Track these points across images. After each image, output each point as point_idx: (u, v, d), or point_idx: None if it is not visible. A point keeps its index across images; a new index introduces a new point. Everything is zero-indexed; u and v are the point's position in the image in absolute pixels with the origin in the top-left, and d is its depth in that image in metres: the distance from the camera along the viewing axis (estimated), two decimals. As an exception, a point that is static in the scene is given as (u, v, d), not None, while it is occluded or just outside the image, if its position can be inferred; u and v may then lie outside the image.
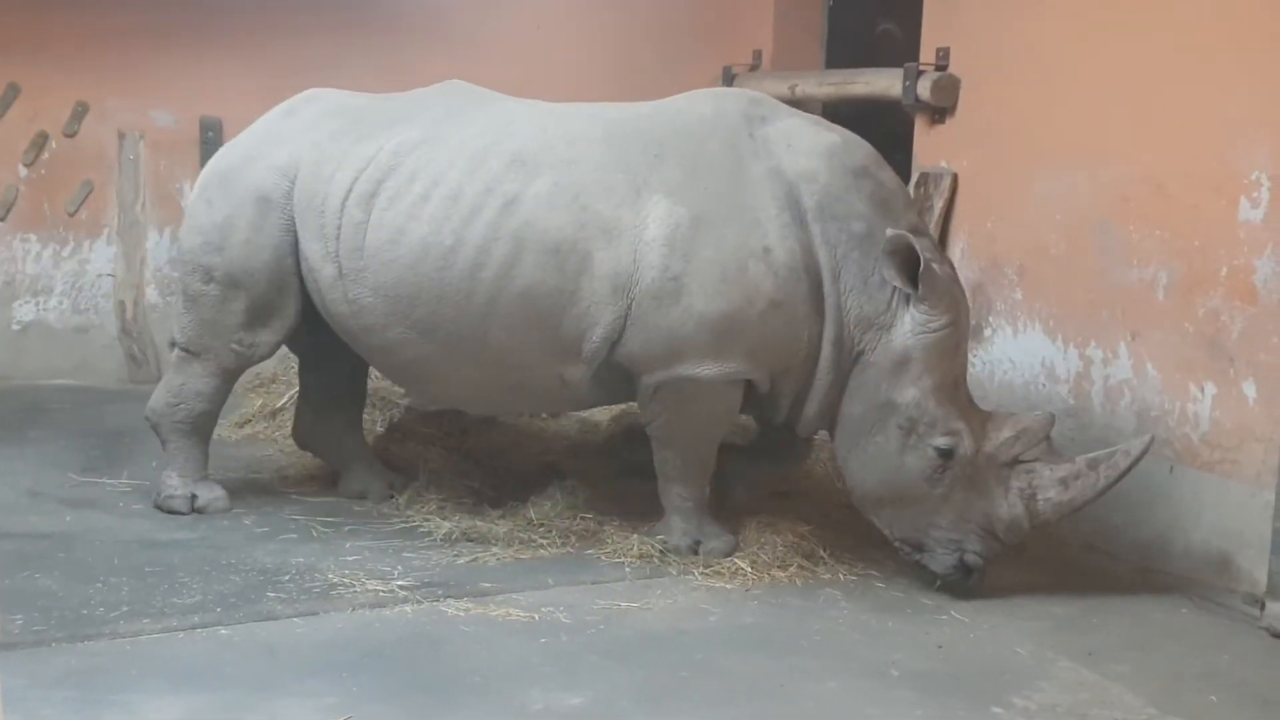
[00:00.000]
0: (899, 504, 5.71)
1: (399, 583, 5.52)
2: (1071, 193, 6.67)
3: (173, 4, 8.67)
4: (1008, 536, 5.65)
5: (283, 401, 7.90)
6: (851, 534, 6.23)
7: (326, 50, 8.84)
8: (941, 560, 5.70)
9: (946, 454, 5.57)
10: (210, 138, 8.78)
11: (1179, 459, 6.00)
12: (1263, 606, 5.45)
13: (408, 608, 5.31)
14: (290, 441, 7.44)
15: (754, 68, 9.29)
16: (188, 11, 8.69)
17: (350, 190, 5.97)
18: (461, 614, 5.27)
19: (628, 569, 5.84)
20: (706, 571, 5.81)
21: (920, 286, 5.55)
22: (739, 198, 5.69)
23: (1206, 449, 5.95)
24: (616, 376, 5.87)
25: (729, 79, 9.16)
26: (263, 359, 6.43)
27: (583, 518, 6.27)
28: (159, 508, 6.35)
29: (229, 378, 6.39)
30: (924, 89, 7.48)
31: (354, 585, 5.48)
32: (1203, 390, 6.00)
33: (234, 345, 6.25)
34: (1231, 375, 5.87)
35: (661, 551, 5.95)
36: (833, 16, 9.37)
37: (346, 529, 6.22)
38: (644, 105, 6.18)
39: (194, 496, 6.35)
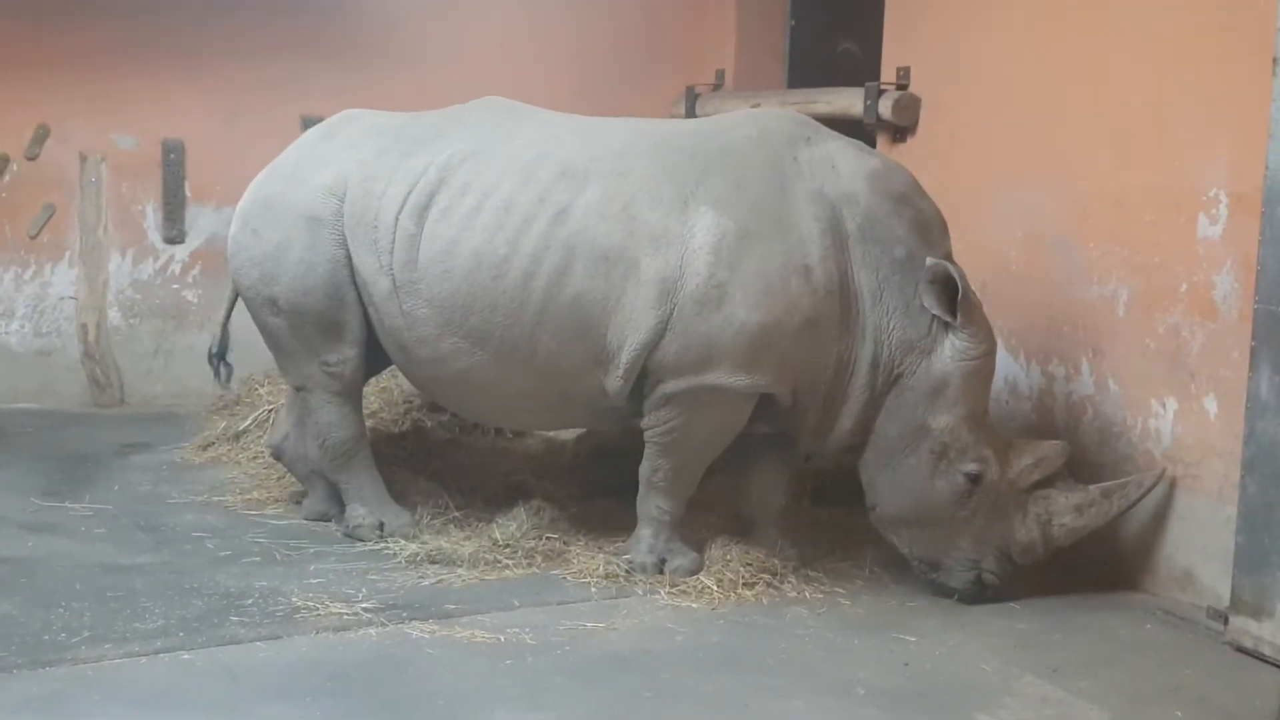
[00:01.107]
0: (923, 524, 5.83)
1: (363, 605, 5.50)
2: (1032, 210, 6.72)
3: (134, 26, 8.64)
4: (1022, 559, 5.82)
5: (246, 424, 7.85)
6: (817, 551, 6.24)
7: (289, 71, 8.84)
8: (959, 577, 5.83)
9: (975, 479, 5.72)
10: (172, 160, 8.76)
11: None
12: (1226, 621, 5.47)
13: (372, 630, 5.28)
14: (254, 464, 7.44)
15: (716, 87, 9.33)
16: (149, 34, 8.66)
17: (403, 204, 6.03)
18: (426, 636, 5.24)
19: (593, 589, 5.83)
20: (672, 591, 5.80)
21: (959, 315, 5.67)
22: (783, 216, 5.78)
23: (1168, 464, 5.98)
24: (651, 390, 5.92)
25: (692, 98, 9.19)
26: (359, 374, 6.38)
27: (548, 538, 6.24)
28: (349, 537, 6.36)
29: (348, 399, 6.39)
30: (885, 108, 7.52)
31: (318, 608, 5.44)
32: (1164, 406, 6.04)
33: (324, 368, 6.28)
34: (1193, 391, 5.91)
35: (627, 571, 5.95)
36: (794, 36, 9.42)
37: (310, 552, 6.18)
38: (686, 122, 6.40)
39: (382, 524, 6.35)
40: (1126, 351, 6.22)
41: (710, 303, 5.68)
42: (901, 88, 7.58)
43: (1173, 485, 5.93)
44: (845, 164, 5.94)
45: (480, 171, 6.01)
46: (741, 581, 5.86)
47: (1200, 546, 5.83)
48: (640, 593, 5.81)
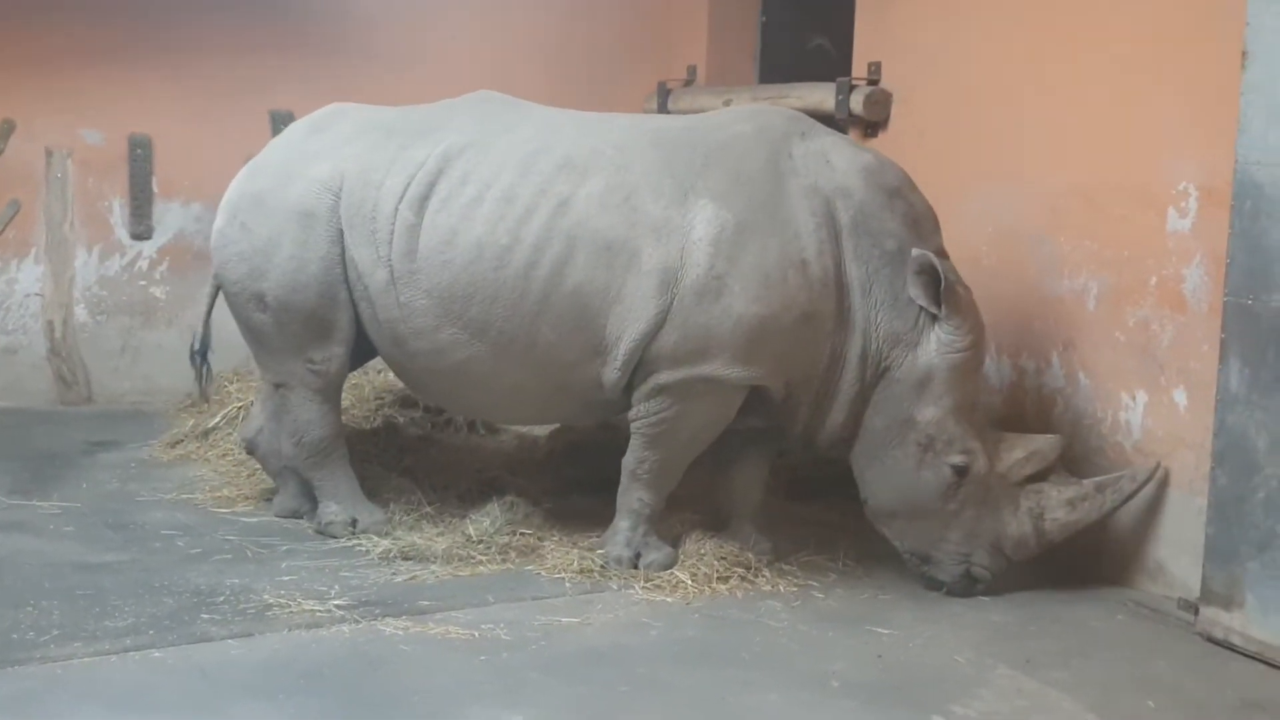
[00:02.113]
0: (912, 517, 5.84)
1: (336, 602, 5.46)
2: (1003, 205, 6.74)
3: (101, 22, 8.56)
4: (1015, 554, 5.82)
5: (215, 421, 7.81)
6: (791, 546, 6.24)
7: (257, 67, 8.78)
8: (948, 570, 5.85)
9: (961, 471, 5.72)
10: (139, 155, 8.69)
11: (1112, 467, 6.05)
12: (1196, 612, 5.51)
13: (345, 627, 5.25)
14: (224, 461, 7.40)
15: (688, 83, 9.33)
16: (116, 29, 8.59)
17: (403, 195, 6.02)
18: (400, 633, 5.22)
19: (568, 584, 5.81)
20: (647, 585, 5.80)
21: (943, 306, 5.69)
22: (780, 210, 5.81)
23: (1139, 457, 6.02)
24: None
25: (664, 94, 9.19)
26: (342, 372, 6.37)
27: (522, 534, 6.23)
28: (321, 534, 6.32)
29: (328, 398, 6.36)
30: (856, 103, 7.54)
31: (290, 606, 5.41)
32: (1134, 398, 6.07)
33: (309, 366, 6.25)
34: (1162, 383, 5.95)
35: (602, 566, 5.94)
36: (766, 32, 9.42)
37: (282, 549, 6.14)
38: (684, 118, 6.43)
39: (355, 520, 6.32)
40: (1097, 345, 6.25)
41: (709, 294, 5.70)
42: (873, 83, 7.60)
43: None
44: (839, 158, 5.97)
45: (481, 162, 6.02)
46: (716, 576, 5.86)
47: (1171, 538, 5.87)
48: (615, 587, 5.81)
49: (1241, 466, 5.29)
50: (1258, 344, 5.23)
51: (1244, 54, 5.24)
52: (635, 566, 5.96)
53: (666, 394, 5.84)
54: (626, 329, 5.78)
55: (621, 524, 6.06)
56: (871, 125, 7.56)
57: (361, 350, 6.42)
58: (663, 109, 9.08)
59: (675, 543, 6.11)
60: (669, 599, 5.70)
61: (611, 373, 5.87)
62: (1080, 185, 6.34)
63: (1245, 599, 5.29)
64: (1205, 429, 5.58)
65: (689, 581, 5.81)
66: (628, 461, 6.04)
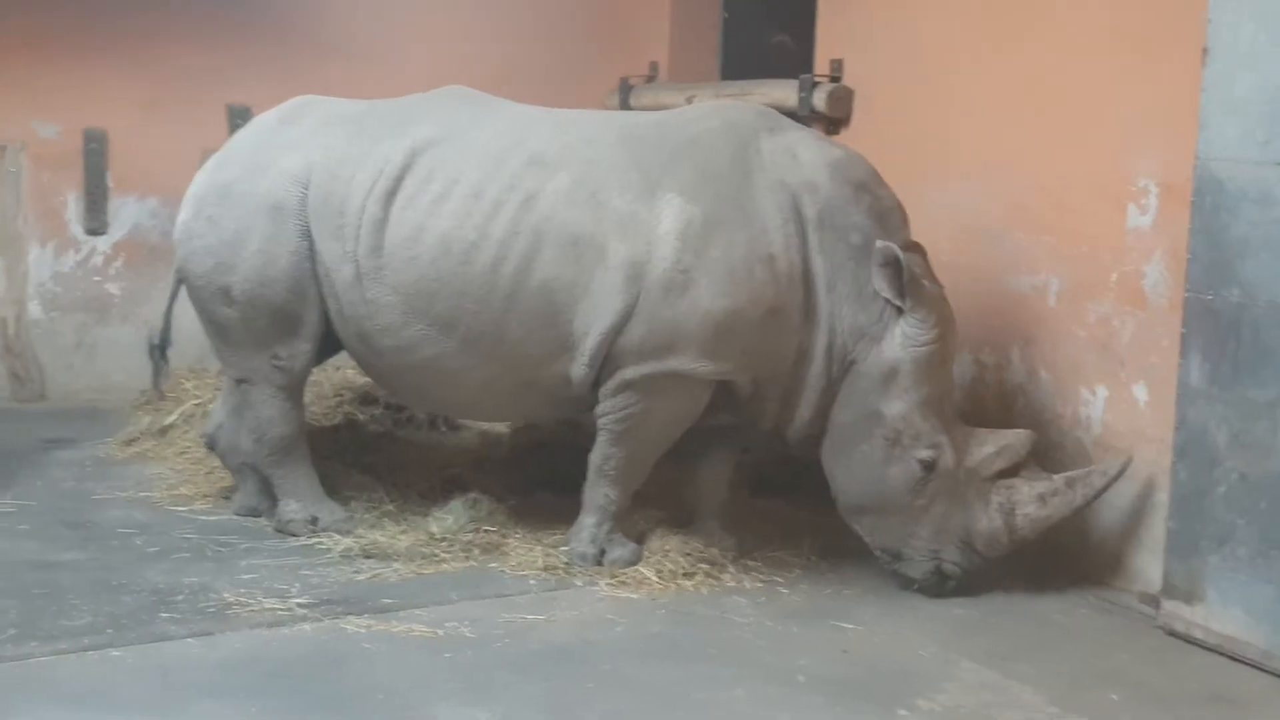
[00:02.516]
0: (881, 513, 5.81)
1: (297, 601, 5.42)
2: (964, 201, 6.77)
3: (56, 13, 8.45)
4: (986, 550, 5.78)
5: (171, 419, 7.73)
6: (755, 541, 6.24)
7: (214, 60, 8.69)
8: (919, 567, 5.82)
9: (929, 466, 5.70)
10: (94, 150, 8.58)
11: (1072, 463, 6.08)
12: (1158, 605, 5.55)
13: (307, 626, 5.21)
14: (181, 459, 7.32)
15: (651, 79, 9.32)
16: (71, 20, 8.48)
17: (370, 190, 5.97)
18: (363, 631, 5.18)
19: (532, 582, 5.79)
20: (612, 582, 5.78)
21: (907, 299, 5.67)
22: (747, 205, 5.79)
23: (1100, 452, 6.05)
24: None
25: (626, 90, 9.17)
26: (307, 369, 6.31)
27: (486, 531, 6.20)
28: (280, 532, 6.26)
29: (291, 395, 6.30)
30: (819, 100, 7.55)
31: (250, 604, 5.36)
32: (1095, 394, 6.11)
33: (274, 362, 6.18)
34: (1123, 379, 5.98)
35: (567, 563, 5.92)
36: (728, 29, 9.43)
37: (241, 547, 6.09)
38: (652, 115, 6.38)
39: (315, 518, 6.26)
40: (1057, 340, 6.28)
41: (676, 288, 5.69)
42: (835, 80, 7.61)
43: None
44: (806, 153, 5.96)
45: (449, 158, 5.98)
46: (681, 572, 5.85)
47: (1132, 533, 5.90)
48: (580, 584, 5.79)
49: (1202, 461, 5.33)
50: (1218, 339, 5.27)
51: (1205, 51, 5.28)
52: (600, 563, 5.94)
53: (633, 389, 5.81)
54: (593, 324, 5.76)
55: (587, 520, 6.04)
56: (834, 122, 7.57)
57: (326, 347, 6.36)
58: (624, 105, 9.06)
59: (640, 539, 6.10)
60: (634, 595, 5.68)
61: (579, 369, 5.84)
62: (1041, 182, 6.37)
63: (1206, 593, 5.33)
64: (1166, 424, 5.61)
65: (654, 578, 5.80)
66: (594, 458, 6.01)
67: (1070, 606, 5.79)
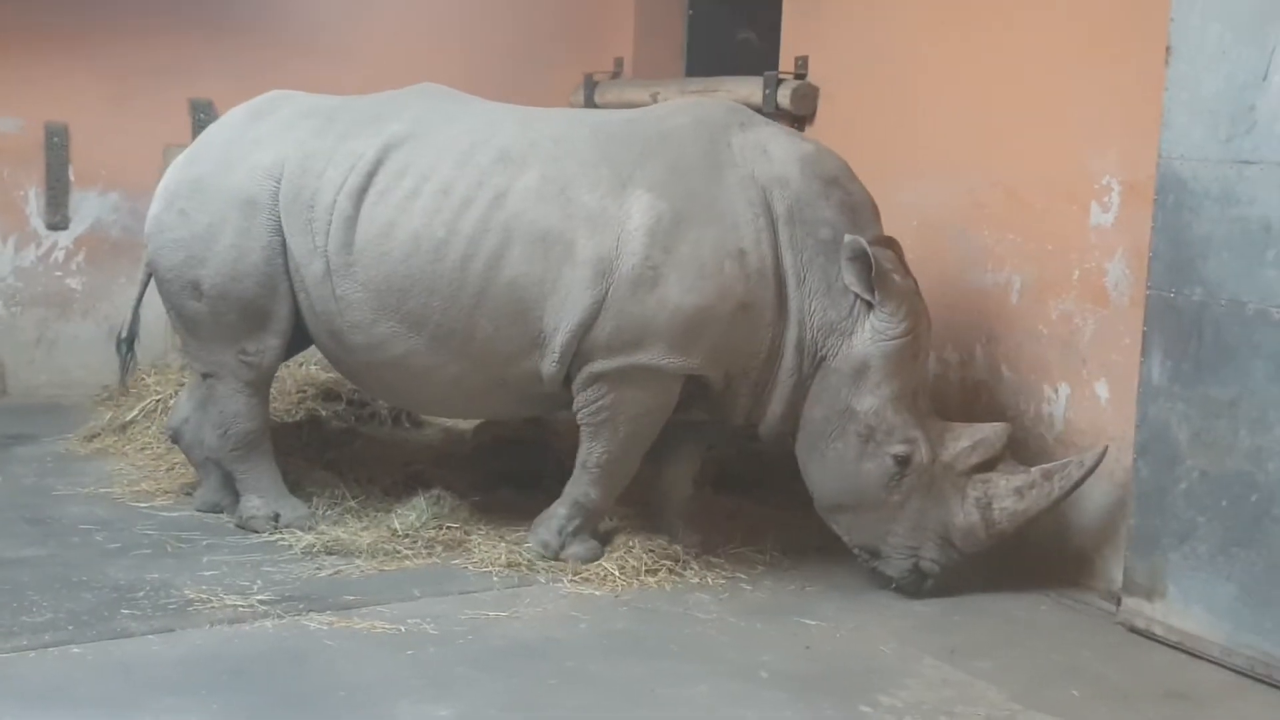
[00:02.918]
0: (857, 510, 5.78)
1: (259, 597, 5.40)
2: (928, 199, 6.79)
3: (16, 6, 8.38)
4: (964, 545, 5.73)
5: (132, 414, 7.68)
6: (719, 538, 6.24)
7: (177, 54, 8.63)
8: (897, 565, 5.77)
9: (903, 462, 5.65)
10: (56, 143, 8.51)
11: (1034, 460, 6.09)
12: (1119, 602, 5.58)
13: (268, 622, 5.19)
14: (142, 455, 7.28)
15: (616, 75, 9.31)
16: (33, 13, 8.40)
17: (341, 186, 5.94)
18: (325, 628, 5.16)
19: (495, 578, 5.78)
20: (575, 579, 5.77)
21: (876, 293, 5.65)
22: (717, 201, 5.78)
23: (1061, 449, 6.08)
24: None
25: (591, 86, 9.15)
26: (275, 365, 6.29)
27: (448, 528, 6.18)
28: (242, 528, 6.22)
29: (257, 391, 6.27)
30: (784, 97, 7.56)
31: (212, 600, 5.34)
32: (1057, 391, 6.14)
33: (241, 357, 6.15)
34: (1085, 376, 6.01)
35: (529, 560, 5.90)
36: (693, 25, 9.42)
37: (203, 544, 6.06)
38: (624, 112, 6.37)
39: (277, 515, 6.22)
40: (1020, 338, 6.31)
41: (645, 284, 5.67)
42: (800, 77, 7.62)
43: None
44: (777, 148, 5.95)
45: (419, 155, 5.96)
46: (644, 568, 5.85)
47: (1094, 530, 5.94)
48: (543, 581, 5.77)
49: (1163, 458, 5.36)
50: (1179, 337, 5.30)
51: (1168, 50, 5.31)
52: (557, 556, 5.93)
53: (602, 381, 5.80)
54: (563, 320, 5.75)
55: (559, 509, 6.01)
56: (798, 119, 7.58)
57: (295, 342, 6.33)
58: (589, 101, 9.05)
59: (604, 536, 6.08)
60: (597, 592, 5.68)
61: (550, 365, 5.83)
62: (1005, 180, 6.40)
63: (1167, 590, 5.36)
64: (1127, 421, 5.64)
65: (617, 574, 5.80)
66: (579, 457, 5.97)
67: (1032, 603, 5.81)
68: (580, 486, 5.99)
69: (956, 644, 5.32)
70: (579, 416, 5.91)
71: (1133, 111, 5.69)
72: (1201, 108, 5.19)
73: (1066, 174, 6.07)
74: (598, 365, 5.78)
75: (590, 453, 5.94)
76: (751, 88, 7.73)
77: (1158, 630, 5.39)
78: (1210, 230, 5.19)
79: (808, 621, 5.49)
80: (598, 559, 5.93)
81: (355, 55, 8.80)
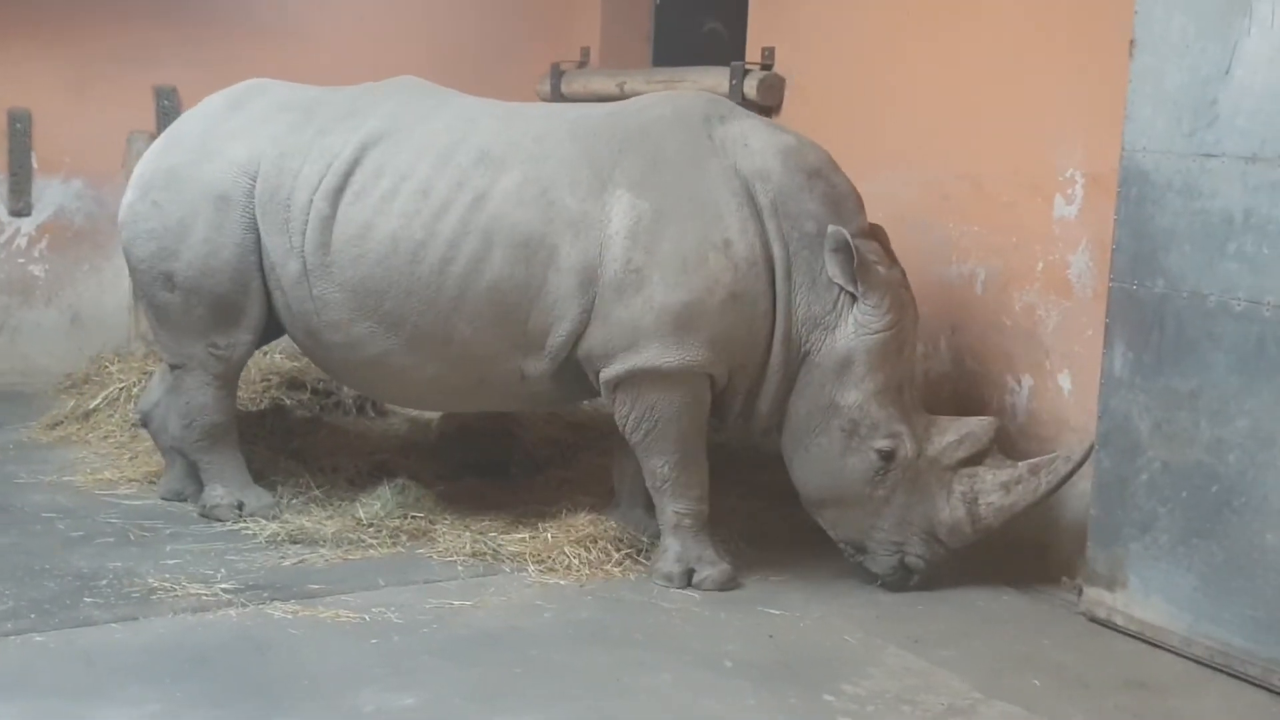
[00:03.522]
0: (841, 505, 5.72)
1: (222, 586, 5.37)
2: (893, 191, 6.79)
3: (-22, -10, 8.32)
4: (950, 540, 5.69)
5: (95, 403, 7.64)
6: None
7: (141, 40, 8.57)
8: (882, 562, 5.73)
9: (887, 456, 5.59)
10: (19, 129, 8.43)
11: (999, 450, 6.12)
12: (1080, 592, 5.62)
13: (232, 611, 5.17)
14: (105, 443, 7.24)
15: (582, 64, 9.29)
16: (-6, -2, 8.34)
17: (318, 185, 5.88)
18: (289, 616, 5.15)
19: (460, 568, 5.77)
20: (541, 568, 5.77)
21: (859, 285, 5.58)
22: (699, 193, 5.69)
23: (1024, 440, 6.11)
24: (576, 373, 5.81)
25: (557, 75, 9.14)
26: (245, 359, 6.27)
27: (413, 517, 6.16)
28: (206, 517, 6.19)
29: (225, 384, 6.23)
30: (750, 88, 7.56)
31: (175, 589, 5.32)
32: (1020, 383, 6.18)
33: (210, 350, 6.11)
34: (1048, 368, 6.05)
35: (494, 550, 5.88)
36: (660, 15, 9.41)
37: (166, 532, 6.03)
38: (604, 106, 6.25)
39: (241, 504, 6.19)
40: (984, 329, 6.34)
41: (629, 288, 5.60)
42: (766, 68, 7.63)
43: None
44: (758, 140, 5.87)
45: (397, 154, 5.88)
46: (609, 558, 5.86)
47: (1055, 520, 5.97)
48: (508, 570, 5.77)
49: (1124, 449, 5.40)
50: (1141, 329, 5.33)
51: (1132, 42, 5.33)
52: (688, 584, 5.72)
53: (620, 391, 5.70)
54: (551, 326, 5.68)
55: (669, 542, 5.80)
56: (765, 110, 7.56)
57: (266, 336, 6.32)
58: (555, 90, 9.04)
59: (568, 526, 6.03)
60: (562, 581, 5.68)
61: (539, 364, 5.76)
62: (970, 172, 6.43)
63: (1128, 580, 5.40)
64: (1089, 413, 5.68)
65: (582, 564, 5.79)
66: (645, 478, 5.84)
67: (993, 592, 5.84)
68: (666, 511, 5.80)
69: (919, 633, 5.34)
70: (627, 437, 5.79)
71: (1097, 104, 5.72)
72: (1165, 101, 5.23)
73: (1031, 166, 6.10)
74: (605, 373, 5.68)
75: (654, 473, 5.78)
76: (718, 78, 7.74)
77: (1118, 620, 5.43)
78: (1172, 223, 5.22)
79: (772, 611, 5.51)
80: (732, 581, 5.74)
81: (320, 42, 8.76)
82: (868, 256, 5.64)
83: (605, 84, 8.42)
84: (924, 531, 5.70)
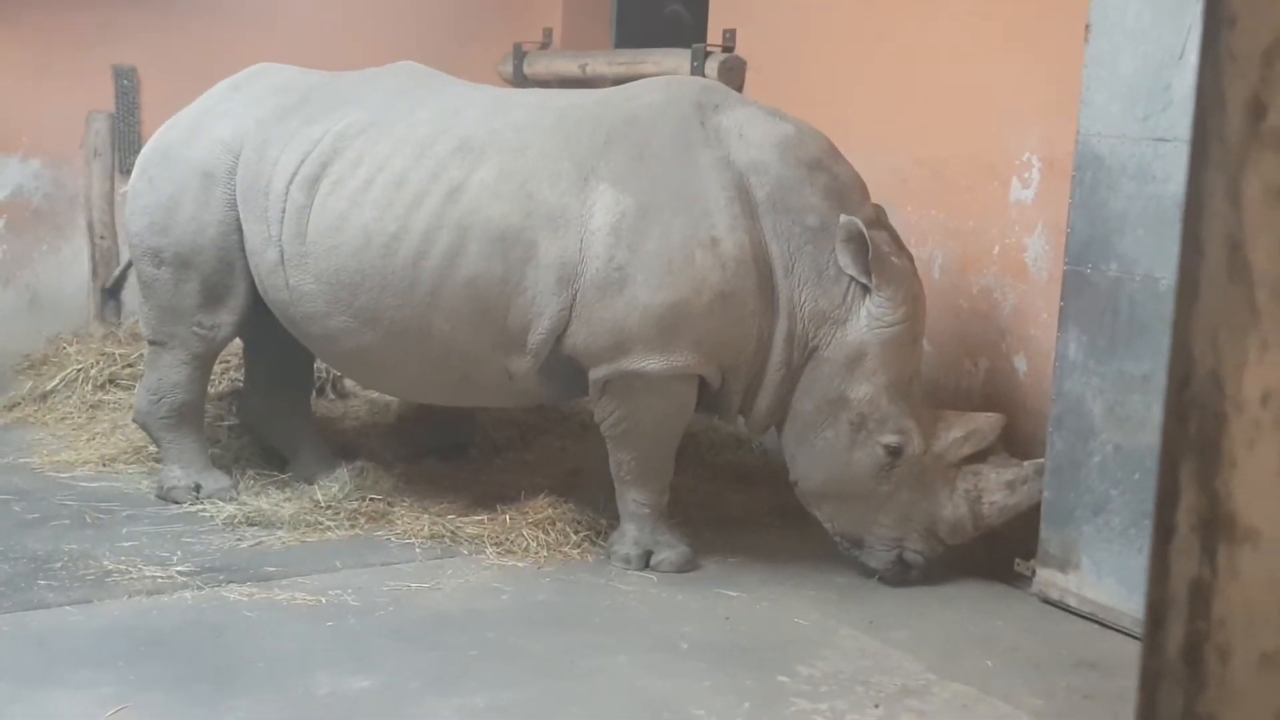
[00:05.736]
0: (843, 499, 5.63)
1: (178, 568, 5.38)
2: (854, 174, 6.81)
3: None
4: (950, 538, 5.64)
5: (53, 384, 7.60)
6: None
7: (100, 19, 8.47)
8: (880, 557, 5.66)
9: (895, 452, 5.50)
10: (-15, 112, 8.36)
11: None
12: (1033, 574, 5.66)
13: (188, 594, 5.17)
14: (62, 425, 7.22)
15: (544, 45, 9.26)
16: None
17: (295, 174, 5.84)
18: (245, 599, 5.15)
19: (418, 550, 5.78)
20: (499, 550, 5.78)
21: (874, 277, 5.44)
22: (687, 187, 5.51)
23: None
24: (565, 370, 5.67)
25: (519, 56, 9.11)
26: (227, 340, 6.28)
27: (372, 499, 6.17)
28: (163, 499, 6.16)
29: (201, 364, 6.23)
30: (711, 70, 7.55)
31: (130, 572, 5.32)
32: (977, 365, 6.21)
33: (195, 329, 6.11)
34: (1004, 350, 6.09)
35: (452, 531, 5.89)
36: (622, -3, 9.40)
37: (122, 514, 6.02)
38: (596, 92, 6.11)
39: (198, 486, 6.17)
40: (941, 313, 6.36)
41: (612, 287, 5.44)
42: (727, 50, 7.63)
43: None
44: (754, 131, 5.66)
45: (376, 144, 5.80)
46: (567, 540, 5.87)
47: (1011, 502, 6.00)
48: (466, 553, 5.78)
49: (1078, 432, 5.44)
50: (1095, 312, 5.37)
51: (1087, 28, 5.36)
52: (646, 565, 5.71)
53: (609, 392, 5.60)
54: (531, 323, 5.55)
55: (627, 527, 5.79)
56: (725, 93, 7.58)
57: (253, 320, 6.26)
58: (518, 71, 9.01)
59: (526, 508, 6.02)
60: (520, 564, 5.69)
61: (523, 362, 5.65)
62: (928, 156, 6.45)
63: (1081, 561, 5.45)
64: (1043, 395, 5.72)
65: (540, 546, 5.80)
66: (611, 465, 5.78)
67: (947, 574, 5.87)
68: (626, 497, 5.77)
69: (874, 615, 5.38)
70: (602, 428, 5.72)
71: (1053, 89, 5.74)
72: (1120, 85, 5.25)
73: (988, 150, 6.13)
74: (596, 373, 5.57)
75: (620, 464, 5.73)
76: (679, 60, 7.73)
77: (1071, 601, 5.48)
78: (1126, 207, 5.26)
79: (728, 593, 5.54)
80: (689, 563, 5.74)
81: (281, 24, 8.68)
82: (881, 248, 5.48)
83: (568, 65, 8.41)
84: (925, 528, 5.63)
